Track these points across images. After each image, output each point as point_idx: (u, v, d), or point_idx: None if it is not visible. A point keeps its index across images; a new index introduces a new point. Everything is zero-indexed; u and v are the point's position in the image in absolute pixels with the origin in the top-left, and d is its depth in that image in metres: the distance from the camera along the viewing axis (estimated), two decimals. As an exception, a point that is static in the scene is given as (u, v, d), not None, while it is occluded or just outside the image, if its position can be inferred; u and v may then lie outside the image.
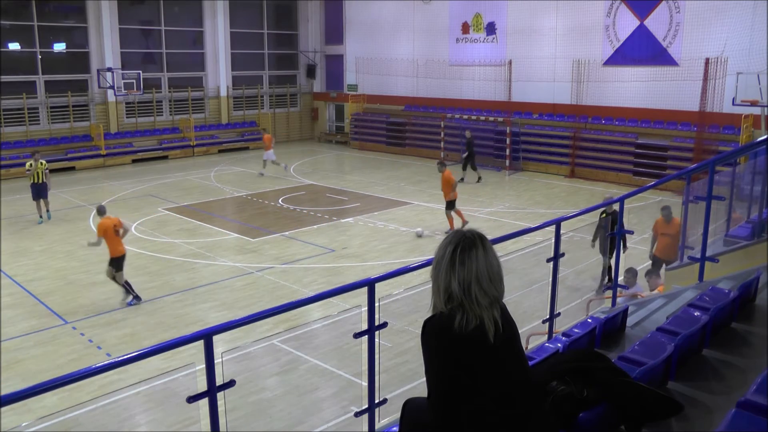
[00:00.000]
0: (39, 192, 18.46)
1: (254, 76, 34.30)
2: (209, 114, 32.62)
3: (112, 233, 12.37)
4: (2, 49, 26.90)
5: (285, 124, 35.01)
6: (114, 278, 12.50)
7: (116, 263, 12.41)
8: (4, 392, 3.83)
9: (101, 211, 12.79)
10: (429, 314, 2.95)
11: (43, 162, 18.63)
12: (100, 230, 12.39)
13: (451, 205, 16.54)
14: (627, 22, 23.23)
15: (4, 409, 3.52)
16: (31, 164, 18.45)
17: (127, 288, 12.38)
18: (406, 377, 8.70)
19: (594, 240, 12.16)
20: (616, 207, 9.36)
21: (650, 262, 12.01)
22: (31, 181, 18.39)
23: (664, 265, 10.31)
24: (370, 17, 32.36)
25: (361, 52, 32.72)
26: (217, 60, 32.37)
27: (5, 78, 26.79)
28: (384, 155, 29.78)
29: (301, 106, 36.04)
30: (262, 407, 8.37)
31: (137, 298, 12.39)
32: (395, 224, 17.51)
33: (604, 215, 11.47)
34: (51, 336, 11.10)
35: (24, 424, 8.01)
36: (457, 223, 16.21)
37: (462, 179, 22.47)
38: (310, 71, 35.44)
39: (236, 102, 33.57)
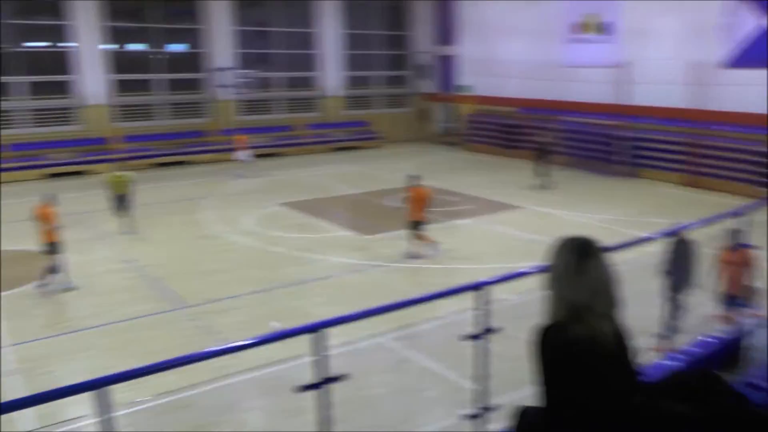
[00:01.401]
0: (121, 203, 17.30)
1: (366, 76, 34.78)
2: (322, 113, 33.27)
3: None
4: (125, 50, 28.80)
5: (396, 124, 35.23)
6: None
7: None
8: (126, 368, 4.01)
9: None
10: (544, 322, 2.87)
11: (128, 174, 17.58)
12: None
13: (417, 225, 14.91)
14: (750, 22, 21.82)
15: (123, 384, 3.69)
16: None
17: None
18: (516, 384, 8.52)
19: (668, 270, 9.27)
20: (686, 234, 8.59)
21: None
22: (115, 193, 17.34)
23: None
24: (482, 17, 31.96)
25: (473, 52, 32.47)
26: (330, 60, 32.99)
27: (128, 76, 28.64)
28: (496, 157, 29.43)
29: (412, 106, 36.19)
30: (369, 403, 8.43)
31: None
32: (506, 228, 17.28)
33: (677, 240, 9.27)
34: (169, 318, 11.66)
35: (138, 399, 8.41)
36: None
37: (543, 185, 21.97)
38: (422, 72, 35.51)
39: (349, 102, 34.13)
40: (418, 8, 35.31)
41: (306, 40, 32.95)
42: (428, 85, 35.70)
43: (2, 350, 10.55)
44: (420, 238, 14.69)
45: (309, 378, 4.22)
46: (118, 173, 17.30)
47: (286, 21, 32.16)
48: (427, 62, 35.31)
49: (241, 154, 25.65)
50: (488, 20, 31.67)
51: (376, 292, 12.78)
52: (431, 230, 15.37)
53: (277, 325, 9.97)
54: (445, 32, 34.55)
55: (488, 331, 4.81)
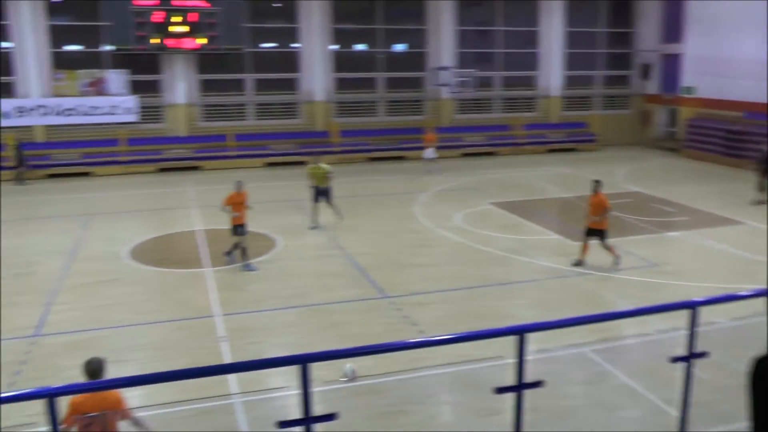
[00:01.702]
0: (320, 194, 17.53)
1: (586, 76, 33.64)
2: (539, 113, 32.76)
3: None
4: (350, 50, 30.32)
5: (614, 126, 33.76)
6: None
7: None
8: (326, 348, 4.20)
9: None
10: (765, 353, 2.61)
11: (326, 167, 17.60)
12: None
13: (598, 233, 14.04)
14: None
15: (322, 363, 3.88)
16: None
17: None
18: (723, 417, 7.90)
19: None
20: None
21: None
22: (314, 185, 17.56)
23: None
24: (712, 12, 29.20)
25: (699, 50, 29.98)
26: (551, 59, 32.31)
27: (349, 75, 30.16)
28: (717, 166, 27.16)
29: (633, 108, 34.50)
30: (563, 414, 8.20)
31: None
32: (722, 244, 15.92)
33: None
34: (371, 306, 12.10)
35: (344, 379, 8.83)
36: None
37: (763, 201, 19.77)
38: (645, 72, 33.58)
39: (567, 102, 33.25)
40: (644, 4, 33.45)
41: (527, 39, 32.53)
42: (651, 86, 33.78)
43: (215, 318, 11.55)
44: (604, 247, 14.00)
45: (504, 380, 4.20)
46: (317, 165, 17.48)
47: (508, 20, 31.97)
48: (651, 61, 33.40)
49: (428, 152, 25.98)
50: (718, 15, 28.94)
51: (579, 300, 12.39)
52: (639, 242, 14.62)
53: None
54: (672, 29, 32.33)
55: (696, 355, 4.49)
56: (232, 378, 9.07)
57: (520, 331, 4.01)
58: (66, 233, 17.57)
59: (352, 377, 8.96)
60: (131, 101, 27.12)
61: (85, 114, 26.89)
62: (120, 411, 6.12)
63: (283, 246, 15.81)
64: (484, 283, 13.19)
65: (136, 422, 6.30)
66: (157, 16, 26.20)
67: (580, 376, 9.52)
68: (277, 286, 13.27)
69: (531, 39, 32.53)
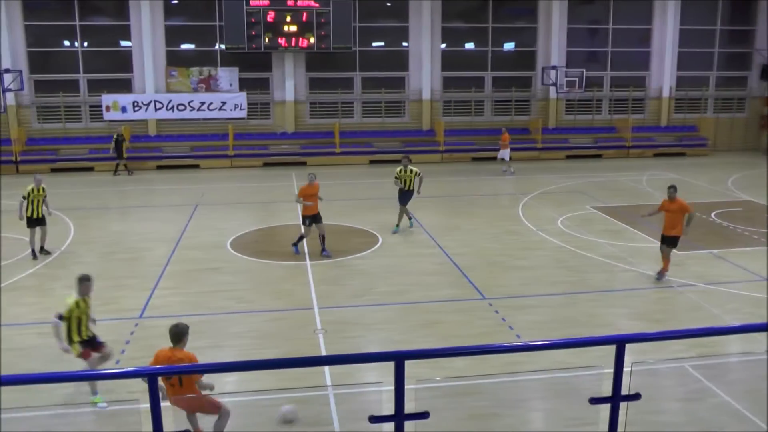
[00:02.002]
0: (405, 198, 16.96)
1: (699, 76, 32.18)
2: (648, 115, 31.67)
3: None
4: (458, 49, 30.27)
5: (728, 130, 32.26)
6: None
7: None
8: (423, 347, 4.22)
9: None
10: None
11: (415, 169, 16.94)
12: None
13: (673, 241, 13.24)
14: None
15: (421, 361, 3.88)
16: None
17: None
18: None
19: None
20: None
21: None
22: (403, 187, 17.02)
23: None
24: None
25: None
26: (663, 59, 31.11)
27: (456, 74, 30.03)
28: None
29: (750, 111, 32.79)
30: (658, 429, 7.92)
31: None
32: None
33: None
34: (468, 307, 11.99)
35: (437, 378, 8.80)
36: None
37: None
38: (765, 72, 31.86)
39: (678, 104, 31.97)
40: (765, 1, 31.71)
41: (639, 37, 31.45)
42: (769, 88, 31.99)
43: (313, 311, 11.78)
44: (666, 257, 13.30)
45: (600, 390, 4.09)
46: (406, 168, 16.85)
47: (620, 17, 30.95)
48: (772, 61, 31.63)
49: (502, 153, 25.60)
50: None
51: (681, 312, 11.90)
52: (749, 254, 13.91)
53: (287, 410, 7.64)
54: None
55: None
56: (327, 370, 9.23)
57: (619, 341, 3.90)
58: (173, 222, 18.33)
59: (289, 419, 7.53)
60: (241, 98, 28.04)
61: (197, 109, 28.07)
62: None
63: (384, 243, 15.94)
64: (584, 290, 12.88)
65: (201, 384, 7.30)
66: (270, 16, 26.99)
67: (678, 391, 9.15)
68: (375, 282, 13.40)
69: (643, 37, 31.45)
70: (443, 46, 29.86)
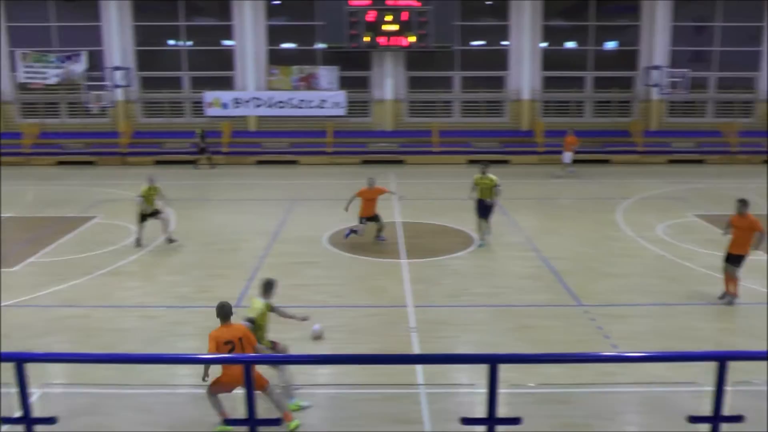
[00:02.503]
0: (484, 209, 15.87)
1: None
2: (757, 119, 30.09)
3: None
4: (559, 48, 29.81)
5: None
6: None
7: None
8: (516, 351, 4.24)
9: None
10: None
11: (492, 178, 15.75)
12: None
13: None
14: None
15: (510, 365, 3.89)
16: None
17: None
18: None
19: None
20: None
21: None
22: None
23: None
24: None
25: None
26: (775, 58, 29.55)
27: (556, 73, 29.56)
28: None
29: None
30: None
31: None
32: None
33: None
34: (563, 313, 11.85)
35: (530, 384, 8.76)
36: None
37: None
38: None
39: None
40: None
41: (749, 36, 29.82)
42: None
43: (407, 309, 11.89)
44: (732, 277, 12.30)
45: (699, 409, 4.01)
46: (485, 175, 15.82)
47: (729, 14, 29.39)
48: None
49: (566, 156, 25.00)
50: None
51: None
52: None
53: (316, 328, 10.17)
54: None
55: None
56: (419, 368, 9.32)
57: (720, 358, 3.80)
58: (271, 216, 18.86)
59: (318, 335, 10.10)
60: (340, 96, 28.49)
61: (296, 107, 28.71)
62: (246, 338, 7.87)
63: (480, 244, 15.90)
64: (684, 301, 12.46)
65: (257, 349, 7.99)
66: (370, 16, 27.29)
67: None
68: (469, 283, 13.42)
69: (753, 35, 29.80)
70: (544, 44, 29.41)
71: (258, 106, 28.87)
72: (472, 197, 15.88)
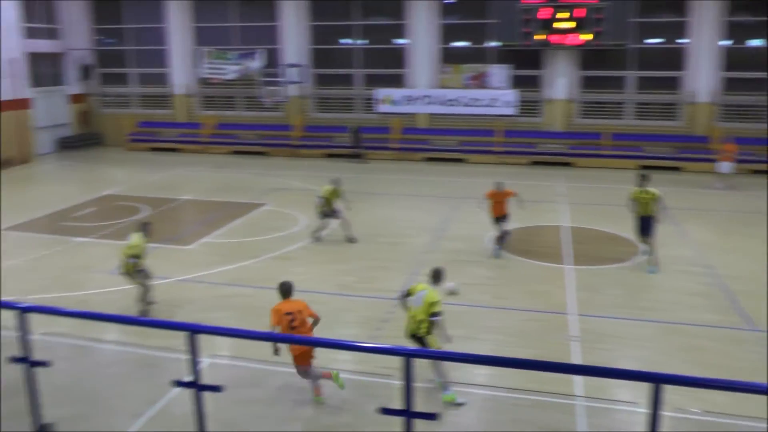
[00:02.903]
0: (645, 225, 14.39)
1: None
2: None
3: None
4: (742, 46, 27.47)
5: None
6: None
7: None
8: (681, 372, 4.09)
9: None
10: None
11: (654, 192, 14.18)
12: None
13: None
14: None
15: (674, 387, 3.81)
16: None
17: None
18: None
19: None
20: None
21: None
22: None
23: None
24: None
25: None
26: None
27: (740, 74, 27.21)
28: None
29: None
30: None
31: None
32: None
33: None
34: (736, 336, 11.16)
35: (694, 409, 8.40)
36: None
37: None
38: None
39: None
40: None
41: None
42: None
43: (568, 317, 11.74)
44: None
45: None
46: (644, 189, 14.20)
47: None
48: None
49: (723, 166, 23.05)
50: None
51: None
52: None
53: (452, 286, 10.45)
54: None
55: None
56: (577, 379, 9.20)
57: None
58: (436, 212, 19.16)
59: (453, 291, 10.49)
60: (511, 95, 28.30)
61: (466, 105, 28.82)
62: (306, 310, 8.84)
63: (647, 255, 15.30)
64: None
65: (317, 320, 8.90)
66: (544, 13, 26.86)
67: None
68: (636, 296, 12.99)
69: None
70: (725, 42, 27.26)
71: (428, 103, 29.29)
72: (632, 212, 14.47)
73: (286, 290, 9.08)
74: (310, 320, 8.90)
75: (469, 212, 19.17)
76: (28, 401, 5.23)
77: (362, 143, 28.67)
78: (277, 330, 8.58)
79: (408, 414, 4.26)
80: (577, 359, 10.14)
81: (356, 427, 8.27)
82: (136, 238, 11.94)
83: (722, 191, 22.66)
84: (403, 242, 16.40)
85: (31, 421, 5.32)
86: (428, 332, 8.95)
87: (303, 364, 8.76)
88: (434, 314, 8.82)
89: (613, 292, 13.06)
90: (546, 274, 14.12)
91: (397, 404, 4.35)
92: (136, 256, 11.75)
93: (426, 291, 9.05)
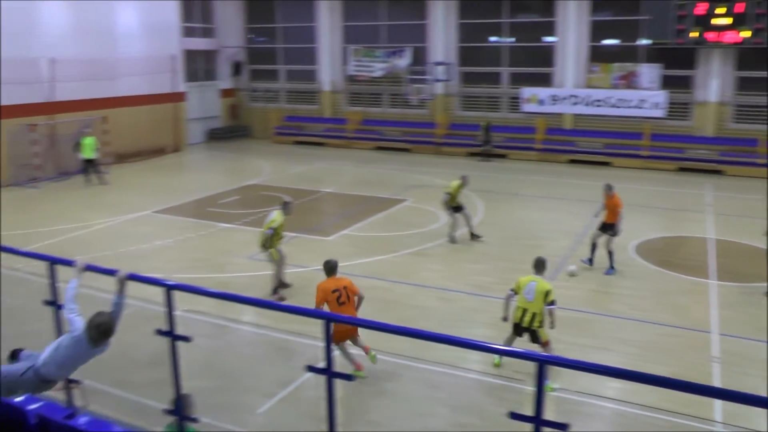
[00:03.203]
0: None
1: None
2: None
3: None
4: None
5: None
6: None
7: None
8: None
9: None
10: None
11: None
12: None
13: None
14: None
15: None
16: None
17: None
18: None
19: None
20: None
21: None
22: None
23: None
24: None
25: None
26: None
27: None
28: None
29: None
30: None
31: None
32: None
33: None
34: None
35: None
36: None
37: None
38: None
39: None
40: None
41: None
42: None
43: (711, 335, 11.14)
44: None
45: None
46: None
47: None
48: None
49: None
50: None
51: None
52: None
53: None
54: None
55: None
56: (717, 403, 8.72)
57: None
58: (578, 216, 18.66)
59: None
60: (661, 96, 27.06)
61: (613, 106, 27.85)
62: (351, 287, 9.39)
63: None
64: None
65: (361, 298, 9.47)
66: (700, 9, 25.46)
67: None
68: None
69: None
70: None
71: (575, 103, 28.55)
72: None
73: (331, 268, 9.59)
74: (356, 298, 9.50)
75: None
76: (170, 372, 5.61)
77: (492, 142, 28.52)
78: (324, 308, 9.15)
79: (538, 421, 4.25)
80: (716, 382, 9.59)
81: (482, 428, 8.28)
82: (276, 215, 12.77)
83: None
84: (542, 245, 16.09)
85: (172, 391, 5.69)
86: (541, 324, 9.33)
87: (353, 334, 9.40)
88: (551, 303, 9.30)
89: (760, 313, 12.22)
90: (687, 287, 13.46)
91: (528, 410, 4.35)
92: (273, 229, 12.55)
93: (536, 282, 9.42)
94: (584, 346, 10.50)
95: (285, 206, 12.91)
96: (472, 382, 9.63)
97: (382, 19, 32.19)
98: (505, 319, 9.77)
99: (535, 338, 9.37)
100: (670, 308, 12.35)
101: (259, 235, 12.85)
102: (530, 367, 4.37)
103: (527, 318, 9.33)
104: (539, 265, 9.77)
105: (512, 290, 9.63)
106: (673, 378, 4.27)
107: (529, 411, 4.26)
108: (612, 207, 14.35)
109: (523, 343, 10.26)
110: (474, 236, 16.44)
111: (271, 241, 12.57)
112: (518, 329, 9.52)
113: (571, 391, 8.79)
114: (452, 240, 16.33)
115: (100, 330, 5.39)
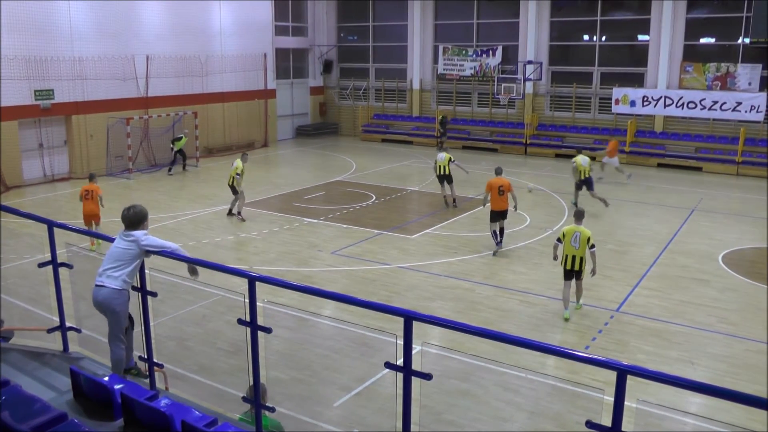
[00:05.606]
0: None
1: None
2: None
3: None
4: None
5: None
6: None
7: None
8: None
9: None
10: None
11: None
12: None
13: None
14: None
15: None
16: None
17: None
18: None
19: None
20: None
21: None
22: None
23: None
24: None
25: None
26: None
27: None
28: None
29: None
30: None
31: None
32: None
33: None
34: None
35: None
36: None
37: None
38: None
39: None
40: None
41: None
42: None
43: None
44: None
45: None
46: None
47: None
48: None
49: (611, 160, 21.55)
50: None
51: None
52: None
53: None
54: None
55: None
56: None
57: None
58: (666, 223, 18.18)
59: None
60: (760, 99, 25.78)
61: (707, 108, 26.74)
62: (507, 186, 13.72)
63: None
64: None
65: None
66: (807, 6, 24.15)
67: None
68: None
69: None
70: None
71: (667, 105, 27.60)
72: None
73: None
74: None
75: (701, 226, 18.03)
76: (249, 361, 5.79)
77: (446, 134, 29.75)
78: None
79: None
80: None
81: (558, 436, 8.21)
82: (238, 162, 17.79)
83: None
84: (628, 251, 15.77)
85: (250, 379, 5.87)
86: (582, 267, 11.54)
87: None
88: (593, 246, 11.44)
89: None
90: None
91: (606, 420, 4.30)
92: (240, 174, 17.55)
93: (579, 232, 11.48)
94: (668, 357, 10.24)
95: (243, 156, 18.08)
96: (550, 388, 9.54)
97: (473, 17, 32.04)
98: (555, 257, 11.85)
99: (578, 276, 11.69)
100: (762, 323, 11.86)
101: (229, 178, 17.72)
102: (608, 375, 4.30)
103: (576, 263, 11.49)
104: (579, 216, 11.77)
105: (558, 239, 11.74)
106: (761, 396, 4.13)
107: (607, 421, 4.22)
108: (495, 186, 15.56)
109: (599, 343, 10.15)
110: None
111: (239, 181, 17.54)
112: (569, 274, 11.59)
113: (652, 404, 8.58)
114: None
115: (125, 214, 6.21)
